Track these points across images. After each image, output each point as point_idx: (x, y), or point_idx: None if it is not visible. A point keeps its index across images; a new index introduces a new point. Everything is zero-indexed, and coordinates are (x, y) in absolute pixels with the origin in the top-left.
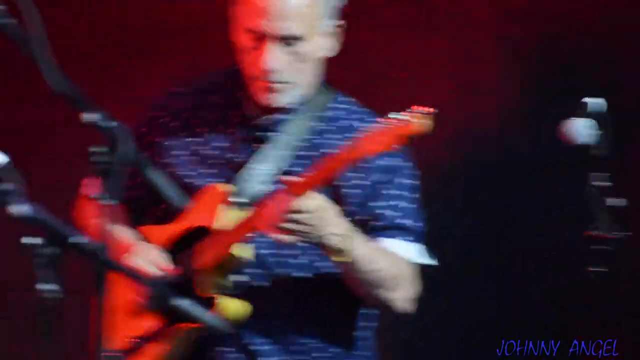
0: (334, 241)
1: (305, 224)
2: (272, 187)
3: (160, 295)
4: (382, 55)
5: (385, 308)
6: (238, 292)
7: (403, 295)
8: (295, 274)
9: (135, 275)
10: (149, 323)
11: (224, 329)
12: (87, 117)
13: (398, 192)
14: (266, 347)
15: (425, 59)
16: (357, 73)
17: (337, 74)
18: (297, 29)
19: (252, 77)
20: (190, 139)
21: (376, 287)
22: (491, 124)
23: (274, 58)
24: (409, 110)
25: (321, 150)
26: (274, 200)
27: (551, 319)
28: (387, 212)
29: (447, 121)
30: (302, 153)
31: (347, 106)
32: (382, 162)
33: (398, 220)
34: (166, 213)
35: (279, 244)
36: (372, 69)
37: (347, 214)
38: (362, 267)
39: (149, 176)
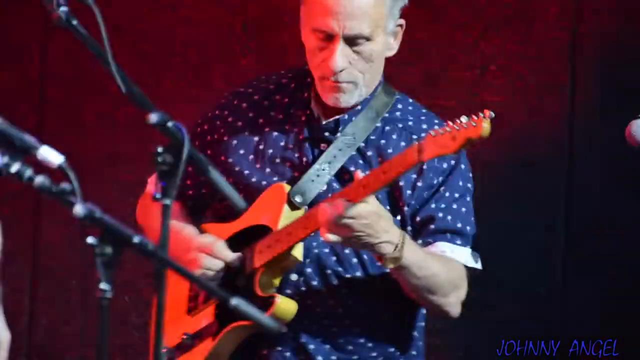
0: (386, 248)
1: (357, 230)
2: (333, 188)
3: (215, 293)
4: (442, 54)
5: (438, 312)
6: (292, 291)
7: (455, 300)
8: (352, 274)
9: (191, 275)
10: (201, 320)
11: (277, 328)
12: (152, 117)
13: (453, 195)
14: (321, 347)
15: (486, 57)
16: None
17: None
18: (365, 28)
19: (321, 77)
20: (254, 138)
21: (429, 292)
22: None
23: (342, 58)
24: (474, 115)
25: (384, 152)
26: (331, 203)
27: (551, 318)
28: (442, 215)
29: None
30: (365, 154)
31: (409, 107)
32: (439, 165)
33: (452, 224)
34: (228, 212)
35: (336, 245)
36: (431, 68)
37: (404, 214)
38: (414, 273)
39: (211, 175)
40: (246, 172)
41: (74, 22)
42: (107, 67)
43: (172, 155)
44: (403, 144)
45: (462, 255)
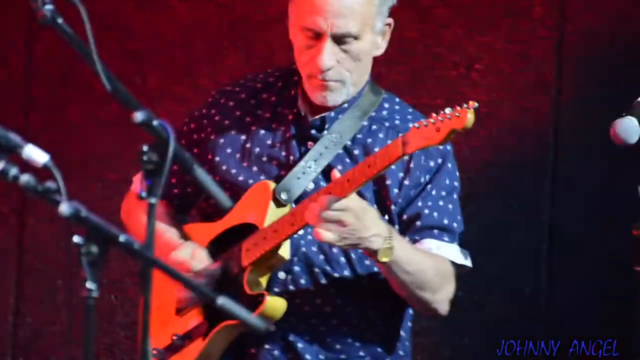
0: (376, 242)
1: (345, 225)
2: (319, 186)
3: (202, 293)
4: (428, 53)
5: (426, 310)
6: (280, 290)
7: (443, 296)
8: (339, 273)
9: (178, 275)
10: (190, 320)
11: (264, 327)
12: (137, 116)
13: (440, 193)
14: (309, 346)
15: (472, 56)
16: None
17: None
18: (353, 27)
19: (308, 75)
20: (241, 137)
21: (418, 288)
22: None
23: (330, 56)
24: (457, 106)
25: (370, 150)
26: (317, 199)
27: (552, 318)
28: (429, 212)
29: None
30: (352, 152)
31: (396, 107)
32: (426, 163)
33: (439, 221)
34: (214, 210)
35: (324, 243)
36: (418, 66)
37: (391, 213)
38: (404, 268)
39: (196, 174)
40: (233, 170)
41: (59, 21)
42: (93, 66)
43: (158, 153)
44: (390, 142)
45: (450, 252)
